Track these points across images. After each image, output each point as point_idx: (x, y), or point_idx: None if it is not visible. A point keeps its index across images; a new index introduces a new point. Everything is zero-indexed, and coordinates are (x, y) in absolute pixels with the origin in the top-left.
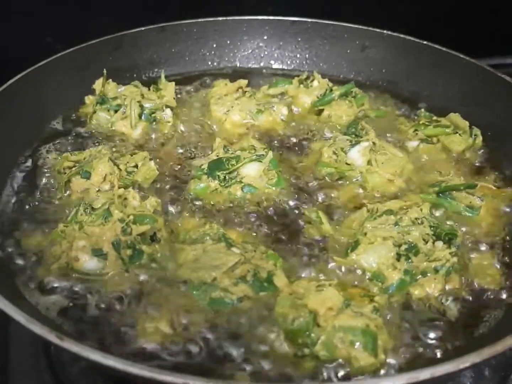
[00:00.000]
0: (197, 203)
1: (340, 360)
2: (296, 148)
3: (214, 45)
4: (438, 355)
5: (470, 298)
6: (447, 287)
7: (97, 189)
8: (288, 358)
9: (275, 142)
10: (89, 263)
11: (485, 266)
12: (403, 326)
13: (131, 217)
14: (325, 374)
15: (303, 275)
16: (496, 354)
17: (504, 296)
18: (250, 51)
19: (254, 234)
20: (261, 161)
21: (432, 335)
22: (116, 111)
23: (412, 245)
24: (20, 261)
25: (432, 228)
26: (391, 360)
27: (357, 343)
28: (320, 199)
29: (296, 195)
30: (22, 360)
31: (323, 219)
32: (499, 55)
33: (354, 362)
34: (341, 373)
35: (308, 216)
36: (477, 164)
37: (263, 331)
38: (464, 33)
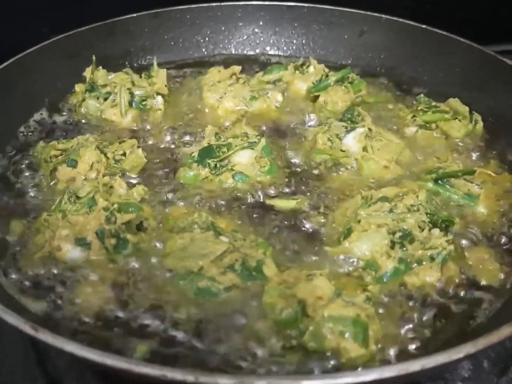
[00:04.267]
0: (186, 191)
1: (330, 352)
2: (290, 135)
3: (208, 32)
4: (433, 346)
5: (467, 287)
6: (443, 276)
7: (83, 177)
8: (276, 349)
9: (269, 129)
10: (72, 252)
11: (482, 255)
12: (396, 316)
13: (116, 206)
14: (313, 366)
15: (293, 264)
16: (492, 345)
17: (502, 285)
18: (245, 37)
19: (245, 222)
20: (253, 149)
21: (427, 325)
22: (105, 99)
23: (407, 232)
24: (1, 251)
25: (428, 215)
26: (382, 351)
27: (347, 334)
28: (314, 186)
29: (289, 183)
30: (10, 355)
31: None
32: (505, 42)
33: (344, 353)
34: (330, 365)
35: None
36: (477, 151)
37: (250, 321)
38: (469, 20)
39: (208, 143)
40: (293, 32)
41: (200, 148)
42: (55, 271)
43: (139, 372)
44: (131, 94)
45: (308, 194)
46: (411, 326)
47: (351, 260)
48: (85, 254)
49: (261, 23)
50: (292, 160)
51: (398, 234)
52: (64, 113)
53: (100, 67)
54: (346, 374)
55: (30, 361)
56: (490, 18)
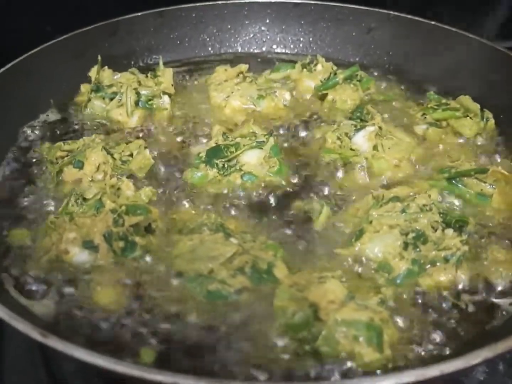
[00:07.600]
0: (194, 192)
1: (344, 356)
2: (299, 134)
3: (214, 30)
4: (449, 350)
5: (482, 289)
6: (458, 277)
7: (90, 179)
8: (288, 354)
9: (277, 128)
10: (79, 255)
11: (497, 255)
12: (411, 319)
13: (123, 208)
14: (326, 371)
15: (305, 266)
16: (510, 349)
17: None
18: (251, 35)
19: (254, 224)
20: (262, 148)
21: (443, 328)
22: (111, 99)
23: (420, 233)
24: (8, 255)
25: (441, 215)
26: (398, 356)
27: (361, 338)
28: (323, 187)
29: (299, 184)
30: (17, 357)
31: (324, 213)
32: None
33: (358, 358)
34: (344, 370)
35: (310, 206)
36: (488, 149)
37: (262, 324)
38: (478, 15)
39: (216, 143)
40: (300, 29)
41: (208, 148)
42: (62, 274)
43: (151, 380)
44: (137, 94)
45: (318, 194)
46: (426, 329)
47: (363, 262)
48: (92, 257)
49: (267, 21)
50: (301, 160)
51: (411, 235)
52: (70, 114)
53: (106, 67)
54: (362, 379)
55: (37, 363)
56: (500, 14)
